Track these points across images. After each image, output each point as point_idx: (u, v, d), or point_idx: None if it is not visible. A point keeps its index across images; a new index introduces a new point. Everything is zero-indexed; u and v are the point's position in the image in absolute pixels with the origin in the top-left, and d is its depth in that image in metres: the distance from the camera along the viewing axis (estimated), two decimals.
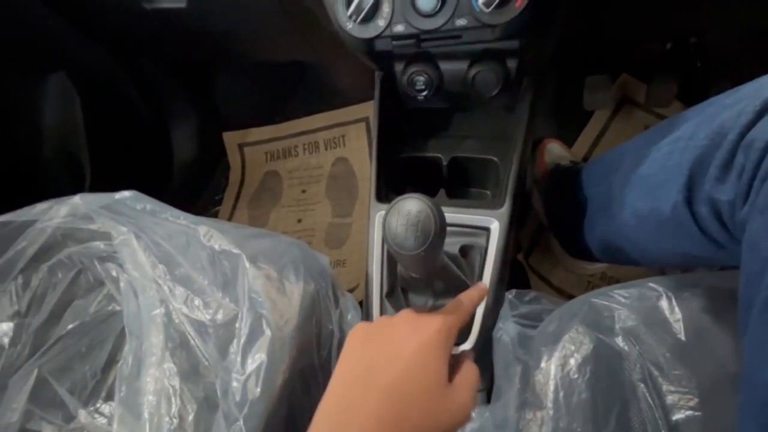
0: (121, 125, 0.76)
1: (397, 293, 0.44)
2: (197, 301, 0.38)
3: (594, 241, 0.49)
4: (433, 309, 0.41)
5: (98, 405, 0.39)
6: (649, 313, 0.30)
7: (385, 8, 0.38)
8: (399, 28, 0.38)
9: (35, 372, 0.41)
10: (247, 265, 0.38)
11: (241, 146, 1.03)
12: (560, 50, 0.51)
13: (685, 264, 0.44)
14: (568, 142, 0.77)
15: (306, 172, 1.01)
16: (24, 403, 0.40)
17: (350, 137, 1.03)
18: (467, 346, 0.41)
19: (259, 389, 0.33)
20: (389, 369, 0.25)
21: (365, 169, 1.05)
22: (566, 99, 0.79)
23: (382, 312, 0.43)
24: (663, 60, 0.72)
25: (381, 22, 0.38)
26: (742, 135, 0.26)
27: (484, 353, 0.41)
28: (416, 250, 0.26)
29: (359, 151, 1.05)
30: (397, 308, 0.44)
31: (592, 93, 0.74)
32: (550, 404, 0.30)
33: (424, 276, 0.34)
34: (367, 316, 0.44)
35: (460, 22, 0.37)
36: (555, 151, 0.70)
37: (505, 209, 0.44)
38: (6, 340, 0.42)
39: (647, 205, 0.35)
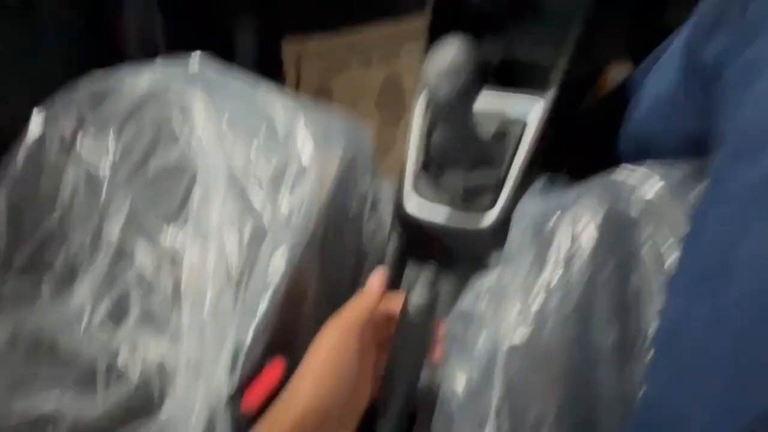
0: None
1: (431, 171, 0.47)
2: (254, 153, 0.44)
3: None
4: (468, 185, 0.43)
5: (176, 232, 0.48)
6: (674, 187, 0.31)
7: None
8: None
9: (127, 207, 0.50)
10: (300, 125, 0.43)
11: (297, 60, 1.04)
12: None
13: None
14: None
15: (357, 88, 1.01)
16: (119, 230, 0.49)
17: (405, 54, 1.00)
18: (488, 221, 0.44)
19: (299, 226, 0.39)
20: None
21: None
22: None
23: (415, 185, 0.47)
24: None
25: None
26: None
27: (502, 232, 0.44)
28: (450, 93, 0.28)
29: (412, 71, 1.03)
30: (430, 184, 0.47)
31: None
32: (560, 264, 0.32)
33: (461, 136, 0.37)
34: (399, 190, 0.48)
35: None
36: None
37: (549, 96, 0.44)
38: (105, 179, 0.52)
39: None
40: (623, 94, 0.51)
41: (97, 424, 0.39)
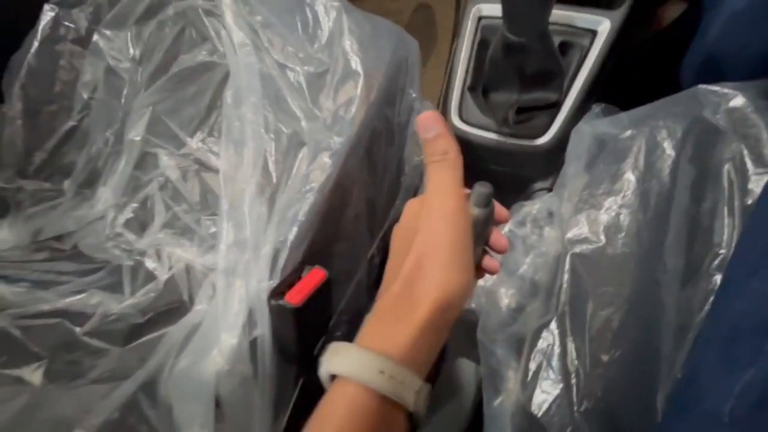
0: None
1: (479, 91, 0.44)
2: (292, 53, 0.41)
3: None
4: (516, 106, 0.40)
5: (203, 137, 0.45)
6: (760, 104, 0.28)
7: None
8: None
9: (149, 110, 0.47)
10: (345, 25, 0.39)
11: None
12: None
13: None
14: None
15: (386, 13, 0.95)
16: (142, 133, 0.47)
17: None
18: (543, 142, 0.41)
19: (342, 131, 0.37)
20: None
21: (448, 20, 0.97)
22: None
23: (461, 105, 0.44)
24: None
25: None
26: None
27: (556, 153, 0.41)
28: None
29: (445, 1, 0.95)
30: (478, 104, 0.44)
31: None
32: (636, 177, 0.30)
33: (529, 37, 0.33)
34: (444, 109, 0.45)
35: None
36: None
37: (621, 11, 0.40)
38: (126, 78, 0.48)
39: None
40: (691, 18, 0.47)
41: (127, 318, 0.38)
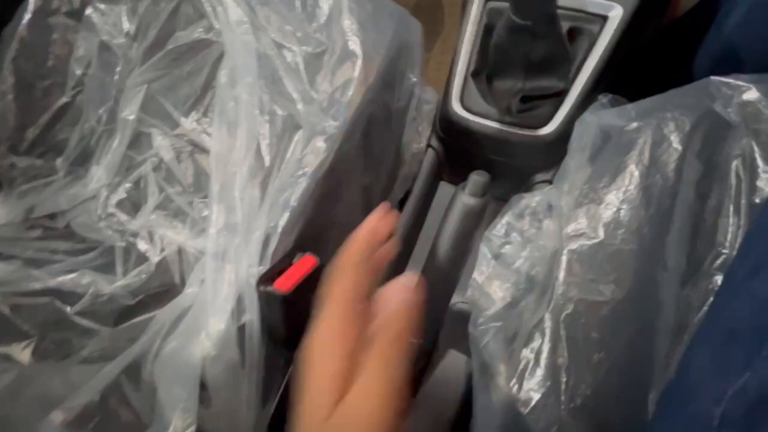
0: None
1: (482, 78, 0.42)
2: (290, 32, 0.39)
3: None
4: (520, 94, 0.39)
5: (198, 117, 0.44)
6: None
7: None
8: None
9: (144, 88, 0.46)
10: (345, 4, 0.38)
11: None
12: None
13: None
14: None
15: None
16: (136, 112, 0.46)
17: None
18: (546, 132, 0.40)
19: (338, 115, 0.35)
20: None
21: (456, 5, 0.94)
22: None
23: (463, 92, 0.43)
24: None
25: None
26: None
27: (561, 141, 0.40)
28: None
29: None
30: (481, 91, 0.43)
31: None
32: (640, 171, 0.29)
33: (537, 20, 0.32)
34: (446, 95, 0.44)
35: None
36: None
37: None
38: (120, 54, 0.47)
39: None
40: (709, 6, 0.45)
41: (118, 298, 0.38)
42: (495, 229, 0.40)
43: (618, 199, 0.28)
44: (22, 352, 0.35)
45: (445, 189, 0.51)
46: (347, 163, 0.36)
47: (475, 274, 0.39)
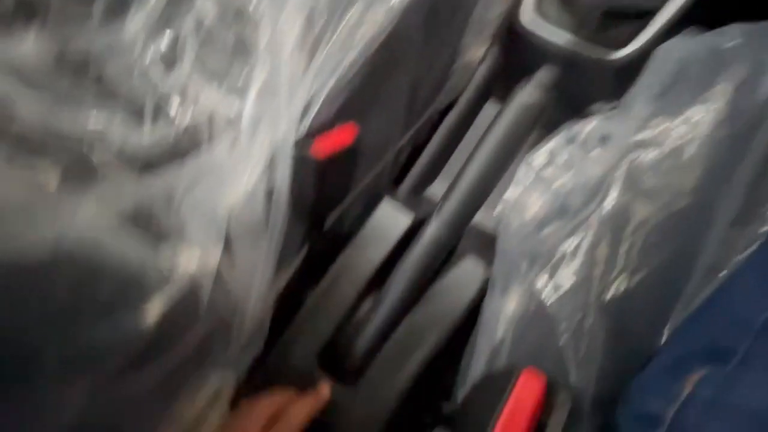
0: None
1: None
2: None
3: None
4: (605, 5, 0.35)
5: None
6: None
7: None
8: None
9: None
10: None
11: None
12: None
13: None
14: None
15: None
16: None
17: None
18: (622, 55, 0.36)
19: None
20: None
21: None
22: None
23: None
24: None
25: None
26: None
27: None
28: None
29: None
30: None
31: None
32: (719, 105, 0.26)
33: None
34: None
35: None
36: None
37: None
38: None
39: None
40: None
41: (144, 154, 0.37)
42: (538, 152, 0.38)
43: (699, 113, 0.25)
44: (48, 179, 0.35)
45: (489, 110, 0.48)
46: (402, 43, 0.33)
47: (509, 192, 0.37)
